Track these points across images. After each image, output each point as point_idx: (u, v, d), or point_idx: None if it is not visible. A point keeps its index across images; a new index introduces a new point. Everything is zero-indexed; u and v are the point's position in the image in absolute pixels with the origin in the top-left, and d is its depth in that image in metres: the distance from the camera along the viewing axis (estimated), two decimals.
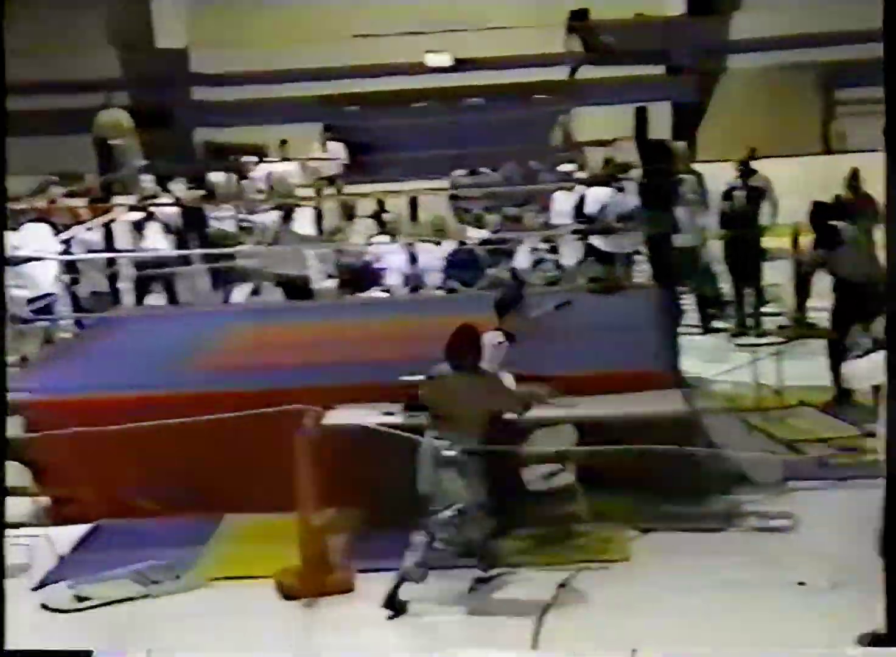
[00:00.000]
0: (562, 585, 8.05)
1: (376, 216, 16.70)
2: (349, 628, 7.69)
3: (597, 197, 15.24)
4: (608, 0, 22.22)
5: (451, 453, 7.71)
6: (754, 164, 15.26)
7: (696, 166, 16.05)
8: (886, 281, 5.76)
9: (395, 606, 7.78)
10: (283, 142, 20.43)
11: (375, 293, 14.76)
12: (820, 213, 12.64)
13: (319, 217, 17.26)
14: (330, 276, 15.09)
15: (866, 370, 7.34)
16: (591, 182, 15.95)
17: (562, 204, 15.78)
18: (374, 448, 8.90)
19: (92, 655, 6.50)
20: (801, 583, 7.78)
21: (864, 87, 20.98)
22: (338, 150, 21.15)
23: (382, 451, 8.86)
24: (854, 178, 14.69)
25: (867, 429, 10.21)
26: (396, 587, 7.79)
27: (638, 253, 14.95)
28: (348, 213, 16.92)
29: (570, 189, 15.93)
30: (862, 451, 10.03)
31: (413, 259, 15.14)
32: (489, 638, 7.56)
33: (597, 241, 14.77)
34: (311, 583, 8.07)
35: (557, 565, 8.32)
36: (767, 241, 15.15)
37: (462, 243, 15.17)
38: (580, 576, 8.19)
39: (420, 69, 22.01)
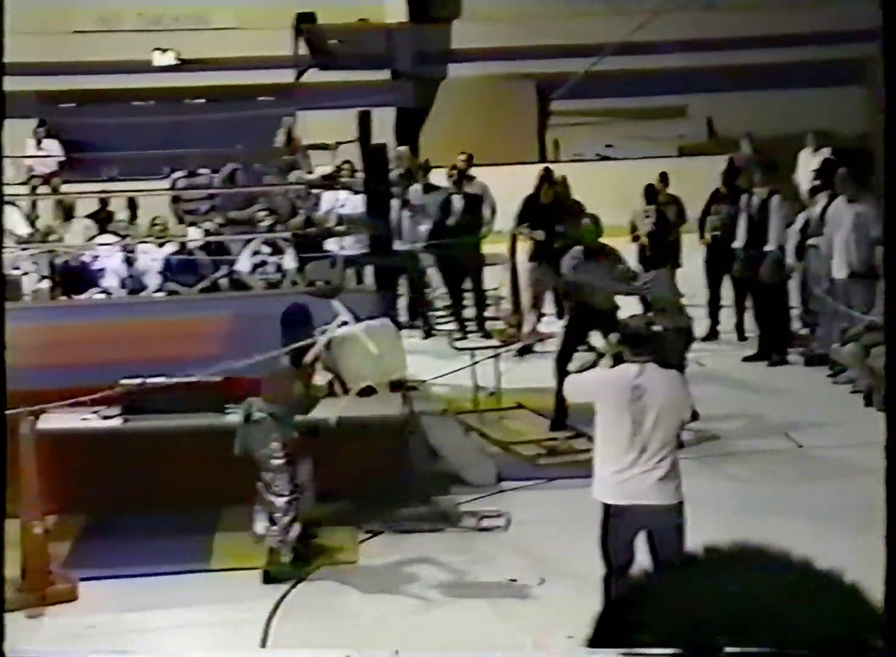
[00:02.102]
0: (290, 589, 8.13)
1: (96, 216, 16.34)
2: (75, 638, 7.54)
3: (329, 200, 15.36)
4: (334, 5, 22.37)
5: (261, 415, 8.32)
6: (473, 171, 15.64)
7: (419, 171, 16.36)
8: (885, 279, 5.85)
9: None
10: None
11: (93, 295, 14.45)
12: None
13: (34, 216, 16.79)
14: (44, 277, 14.69)
15: (572, 386, 7.53)
16: (319, 185, 16.04)
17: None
18: (97, 451, 8.77)
19: None
20: (512, 581, 8.06)
21: (576, 99, 21.83)
22: (53, 147, 20.61)
23: (105, 455, 8.75)
24: (562, 184, 15.23)
25: (579, 430, 10.61)
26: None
27: (363, 256, 15.10)
28: (66, 213, 16.48)
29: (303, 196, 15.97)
30: (571, 451, 10.42)
31: (131, 261, 14.88)
32: (226, 639, 7.57)
33: (328, 244, 14.91)
34: (32, 593, 7.88)
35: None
36: (487, 247, 15.55)
37: (182, 245, 15.01)
38: (311, 579, 8.29)
39: (144, 68, 21.67)
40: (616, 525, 6.89)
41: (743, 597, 1.34)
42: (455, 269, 15.42)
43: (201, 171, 17.48)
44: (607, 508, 6.95)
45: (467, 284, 15.44)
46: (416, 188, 15.41)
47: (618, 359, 7.18)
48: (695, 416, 7.19)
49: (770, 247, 13.59)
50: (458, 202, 15.24)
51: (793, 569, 1.39)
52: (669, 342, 8.83)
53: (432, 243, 15.24)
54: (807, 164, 17.54)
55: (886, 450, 5.68)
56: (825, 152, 17.30)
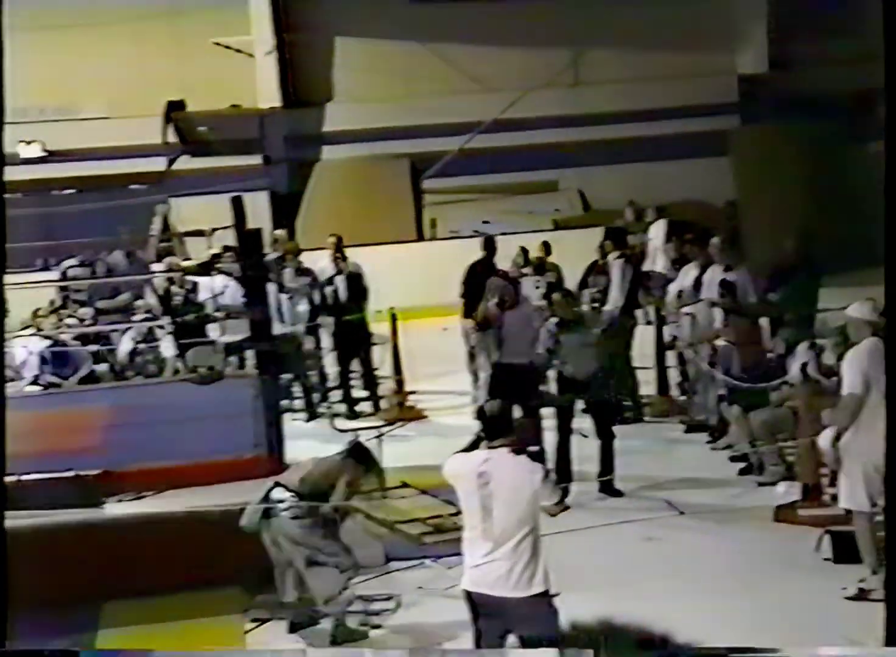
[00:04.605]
0: None
1: None
2: None
3: (207, 286, 15.28)
4: (205, 92, 22.39)
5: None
6: (348, 252, 15.69)
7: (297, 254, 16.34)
8: (885, 292, 5.79)
9: None
10: None
11: None
12: None
13: None
14: None
15: (453, 463, 6.92)
16: (195, 272, 15.93)
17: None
18: None
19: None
20: None
21: (451, 177, 22.10)
22: None
23: None
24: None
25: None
26: None
27: (244, 341, 15.00)
28: None
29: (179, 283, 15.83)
30: (456, 528, 10.38)
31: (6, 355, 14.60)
32: None
33: (208, 329, 14.81)
34: None
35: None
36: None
37: (55, 339, 14.77)
38: None
39: (10, 160, 21.45)
40: (477, 617, 6.66)
41: None
42: (345, 349, 15.39)
43: (79, 259, 17.33)
44: (469, 596, 6.73)
45: (355, 366, 15.42)
46: (288, 271, 15.40)
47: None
48: (563, 505, 6.88)
49: (608, 307, 13.90)
50: (340, 281, 15.33)
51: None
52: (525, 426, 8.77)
53: (316, 324, 15.24)
54: (655, 236, 18.02)
55: (886, 457, 5.72)
56: (661, 223, 17.90)
